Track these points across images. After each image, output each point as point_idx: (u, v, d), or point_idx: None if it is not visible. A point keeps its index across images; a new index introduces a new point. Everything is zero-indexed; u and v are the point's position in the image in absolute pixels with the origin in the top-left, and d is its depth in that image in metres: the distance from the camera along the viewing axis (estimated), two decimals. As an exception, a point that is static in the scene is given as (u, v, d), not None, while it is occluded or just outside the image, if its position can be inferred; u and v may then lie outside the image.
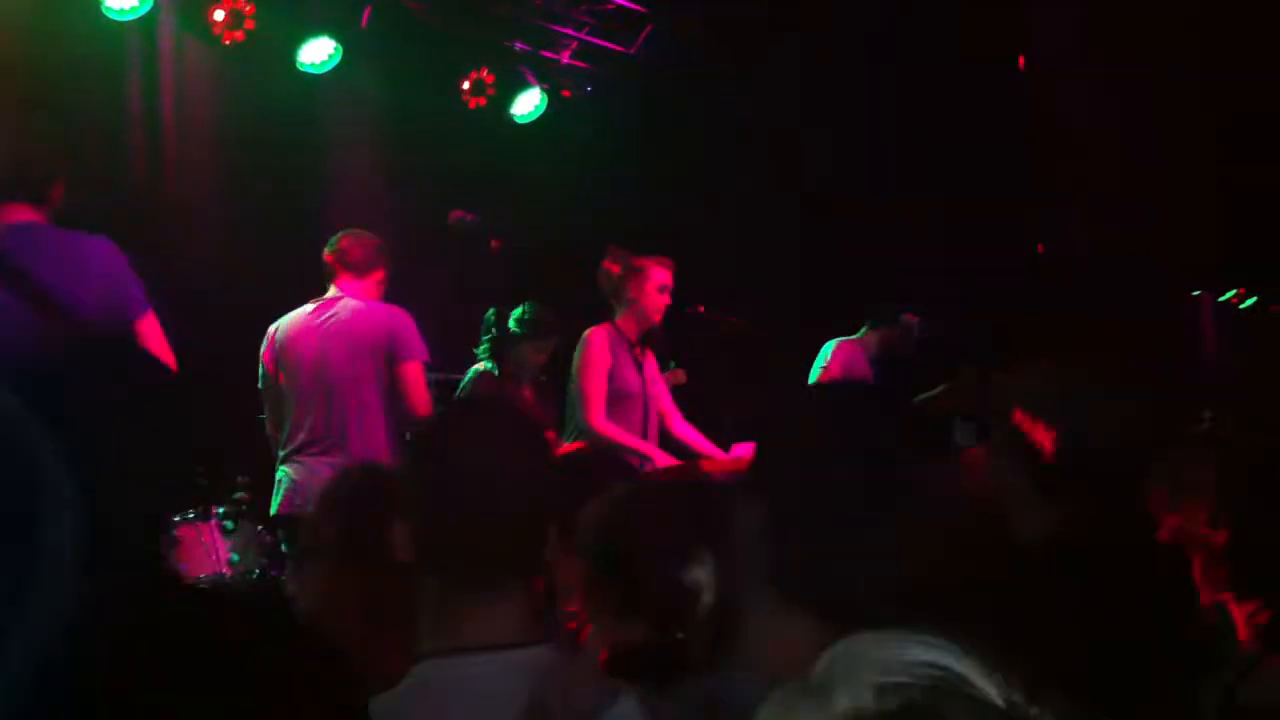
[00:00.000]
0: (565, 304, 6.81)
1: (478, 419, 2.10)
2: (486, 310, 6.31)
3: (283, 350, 5.26)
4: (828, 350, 7.24)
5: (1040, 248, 6.84)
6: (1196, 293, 6.92)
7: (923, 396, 7.39)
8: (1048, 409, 2.36)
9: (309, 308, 5.32)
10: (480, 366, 6.27)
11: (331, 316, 5.25)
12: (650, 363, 5.93)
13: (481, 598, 1.90)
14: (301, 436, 5.21)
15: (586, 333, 5.79)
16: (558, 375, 6.42)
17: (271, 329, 5.34)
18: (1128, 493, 2.25)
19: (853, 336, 7.33)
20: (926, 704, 0.85)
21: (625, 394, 5.75)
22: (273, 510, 5.28)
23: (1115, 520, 2.24)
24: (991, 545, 2.47)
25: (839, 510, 1.59)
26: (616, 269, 5.83)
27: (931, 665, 0.88)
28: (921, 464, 1.67)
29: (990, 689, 0.86)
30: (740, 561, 1.66)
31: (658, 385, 5.94)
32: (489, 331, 6.23)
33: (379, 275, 5.36)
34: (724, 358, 6.40)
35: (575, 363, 5.76)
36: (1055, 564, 2.25)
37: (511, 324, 6.17)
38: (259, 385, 5.39)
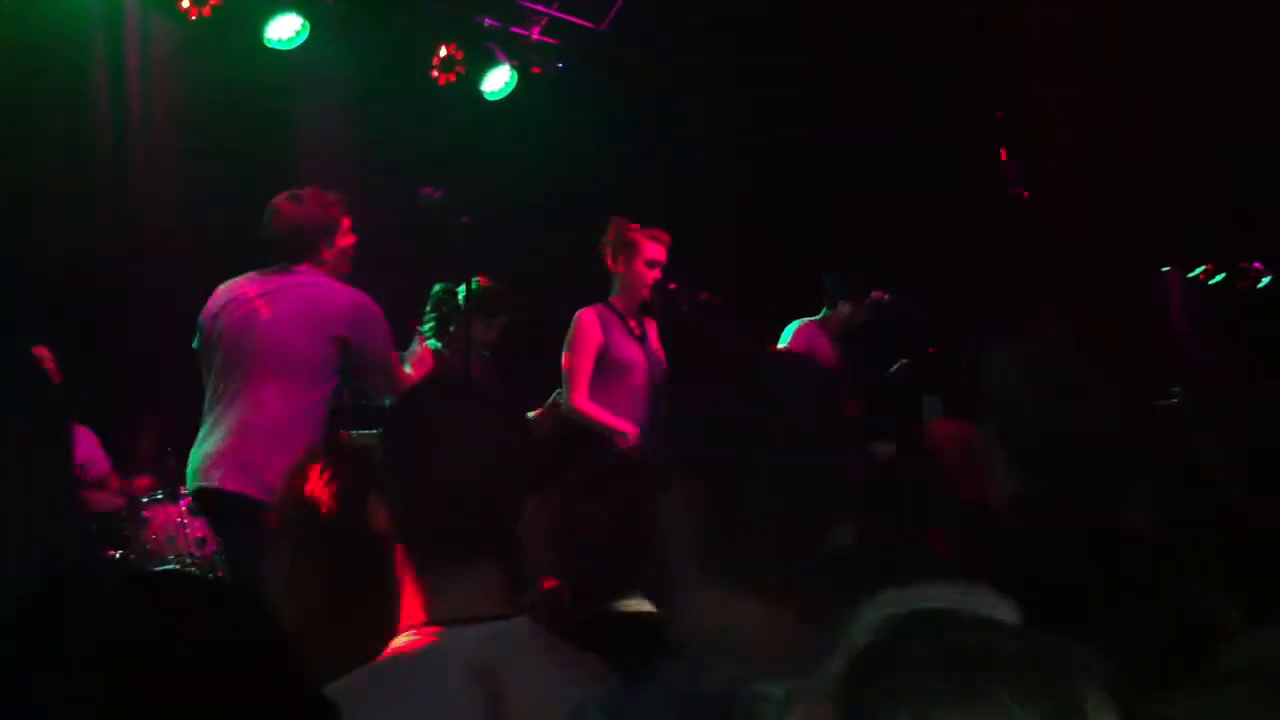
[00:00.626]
0: (534, 280, 6.79)
1: (456, 396, 2.09)
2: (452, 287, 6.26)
3: (223, 311, 4.87)
4: (788, 332, 7.26)
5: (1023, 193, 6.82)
6: (1165, 269, 6.96)
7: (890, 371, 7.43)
8: (1021, 381, 2.36)
9: (262, 272, 4.95)
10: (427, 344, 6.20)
11: (283, 288, 4.86)
12: (652, 334, 5.94)
13: (458, 572, 1.91)
14: (221, 407, 4.82)
15: (576, 313, 5.80)
16: (508, 353, 6.42)
17: (219, 288, 4.96)
18: (1098, 466, 2.25)
19: (814, 317, 7.36)
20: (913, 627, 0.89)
21: (626, 364, 5.76)
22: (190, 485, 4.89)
23: (1083, 493, 2.24)
24: (957, 514, 2.48)
25: (756, 488, 1.58)
26: (610, 240, 5.85)
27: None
28: (846, 435, 1.65)
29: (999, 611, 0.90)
30: (669, 547, 1.65)
31: (661, 354, 5.94)
32: (437, 309, 6.14)
33: (338, 240, 4.94)
34: (697, 334, 6.38)
35: (565, 342, 5.78)
36: (1024, 534, 2.26)
37: (460, 300, 6.10)
38: (194, 345, 4.99)
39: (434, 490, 1.91)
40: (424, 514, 1.92)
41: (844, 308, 7.35)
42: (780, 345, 7.12)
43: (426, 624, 1.89)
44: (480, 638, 1.87)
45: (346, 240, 4.95)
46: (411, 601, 1.93)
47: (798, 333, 7.24)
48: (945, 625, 0.91)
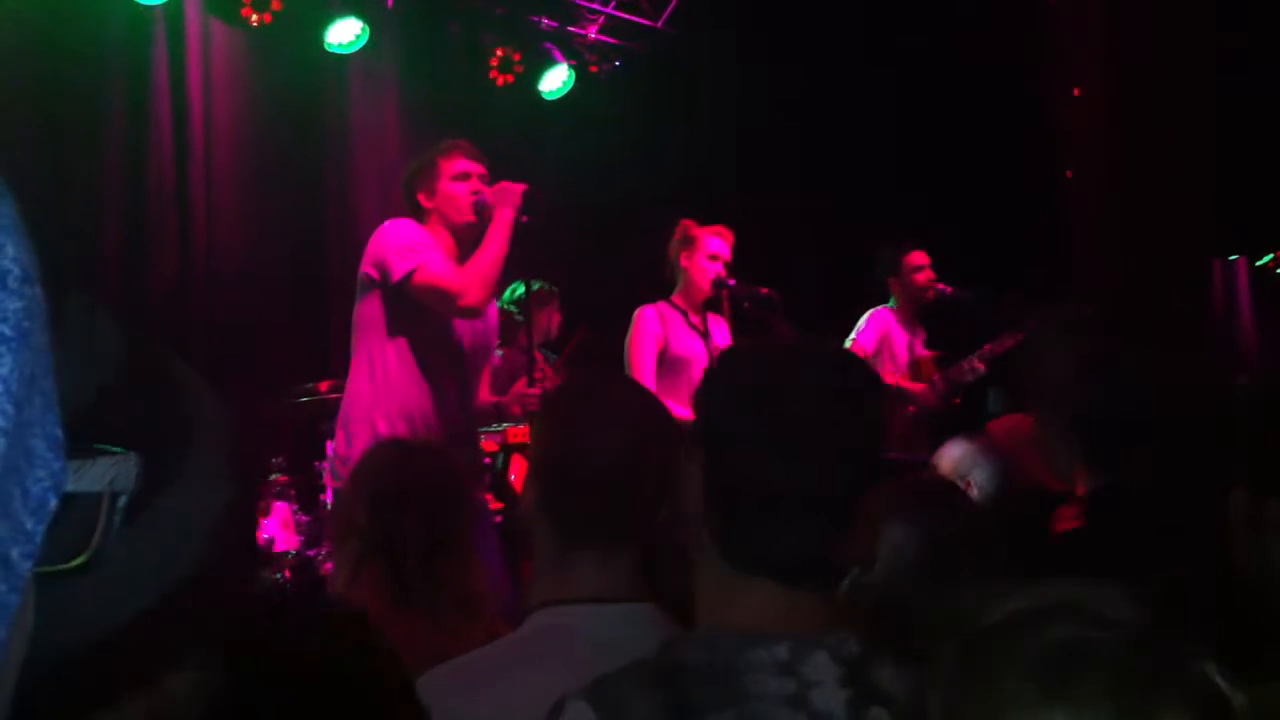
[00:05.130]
0: (594, 279, 6.79)
1: (609, 387, 2.26)
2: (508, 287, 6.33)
3: None
4: (862, 320, 7.20)
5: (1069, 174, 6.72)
6: (1233, 257, 6.85)
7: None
8: (1084, 372, 2.33)
9: None
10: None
11: None
12: (718, 328, 5.94)
13: (598, 556, 2.01)
14: None
15: (636, 311, 5.82)
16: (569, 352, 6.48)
17: None
18: (1169, 458, 2.22)
19: (887, 304, 7.28)
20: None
21: (687, 359, 5.75)
22: None
23: (1154, 484, 2.21)
24: (1014, 510, 2.46)
25: (776, 475, 1.56)
26: (675, 239, 5.87)
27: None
28: (859, 424, 1.62)
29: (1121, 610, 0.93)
30: (686, 524, 1.65)
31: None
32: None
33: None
34: (756, 330, 6.37)
35: (625, 340, 5.80)
36: (1092, 529, 2.23)
37: (509, 305, 6.16)
38: None
39: (590, 476, 2.01)
40: (576, 498, 2.02)
41: (896, 285, 7.27)
42: (852, 335, 7.10)
43: (562, 602, 1.99)
44: (612, 617, 1.96)
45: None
46: (547, 581, 2.04)
47: (871, 319, 7.18)
48: (1053, 622, 0.95)
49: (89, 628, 0.70)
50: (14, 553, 0.60)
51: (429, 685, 1.93)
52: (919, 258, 7.17)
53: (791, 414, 1.56)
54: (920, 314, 7.25)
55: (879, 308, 7.22)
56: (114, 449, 0.72)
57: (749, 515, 1.57)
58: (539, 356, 6.20)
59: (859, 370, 1.68)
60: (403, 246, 4.51)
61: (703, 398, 1.68)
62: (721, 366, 1.75)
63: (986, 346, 7.01)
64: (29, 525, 0.60)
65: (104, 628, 0.68)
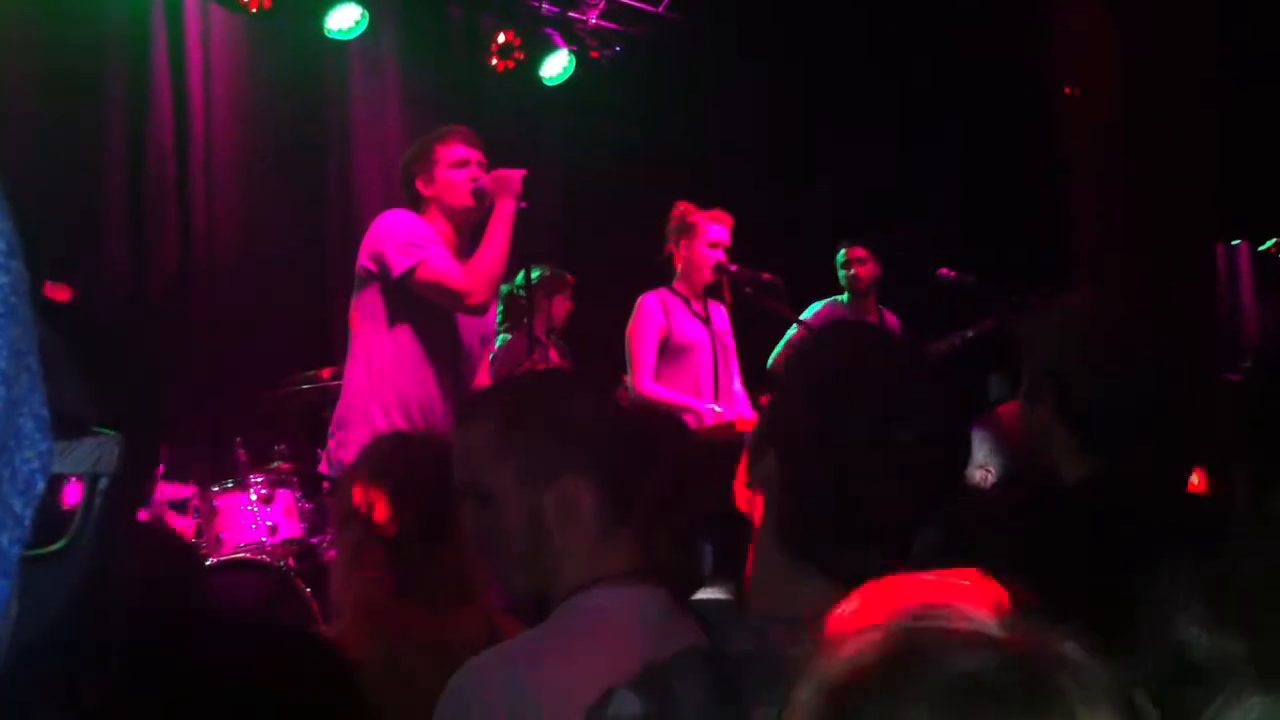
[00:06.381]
0: (595, 265, 6.78)
1: (610, 384, 2.27)
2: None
3: None
4: (808, 313, 7.16)
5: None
6: (1235, 242, 6.84)
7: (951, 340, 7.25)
8: (1076, 355, 2.31)
9: None
10: (502, 338, 6.31)
11: None
12: (718, 314, 5.93)
13: (614, 540, 2.04)
14: None
15: (639, 298, 5.81)
16: (576, 338, 6.48)
17: None
18: (1161, 444, 2.21)
19: (838, 298, 7.27)
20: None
21: (688, 346, 5.76)
22: None
23: (1145, 471, 2.20)
24: (1024, 494, 2.45)
25: (848, 466, 1.57)
26: (673, 225, 5.86)
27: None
28: (936, 415, 1.62)
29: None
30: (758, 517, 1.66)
31: (729, 335, 5.94)
32: (504, 303, 6.23)
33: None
34: (760, 315, 6.37)
35: (627, 327, 5.79)
36: (1084, 511, 2.22)
37: (518, 290, 6.16)
38: None
39: (615, 461, 2.05)
40: (605, 483, 2.04)
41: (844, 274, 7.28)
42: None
43: (591, 582, 2.02)
44: (629, 595, 2.01)
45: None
46: (577, 566, 2.04)
47: (813, 314, 7.14)
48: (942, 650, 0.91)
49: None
50: (4, 538, 0.58)
51: (489, 663, 1.97)
52: (855, 252, 7.22)
53: (896, 440, 1.58)
54: (877, 307, 7.25)
55: (828, 300, 7.21)
56: (101, 430, 0.70)
57: (822, 516, 1.58)
58: (548, 342, 6.21)
59: (961, 400, 1.70)
60: (403, 241, 4.48)
61: (797, 385, 1.67)
62: (831, 356, 1.72)
63: (966, 330, 7.04)
64: (18, 508, 0.59)
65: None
